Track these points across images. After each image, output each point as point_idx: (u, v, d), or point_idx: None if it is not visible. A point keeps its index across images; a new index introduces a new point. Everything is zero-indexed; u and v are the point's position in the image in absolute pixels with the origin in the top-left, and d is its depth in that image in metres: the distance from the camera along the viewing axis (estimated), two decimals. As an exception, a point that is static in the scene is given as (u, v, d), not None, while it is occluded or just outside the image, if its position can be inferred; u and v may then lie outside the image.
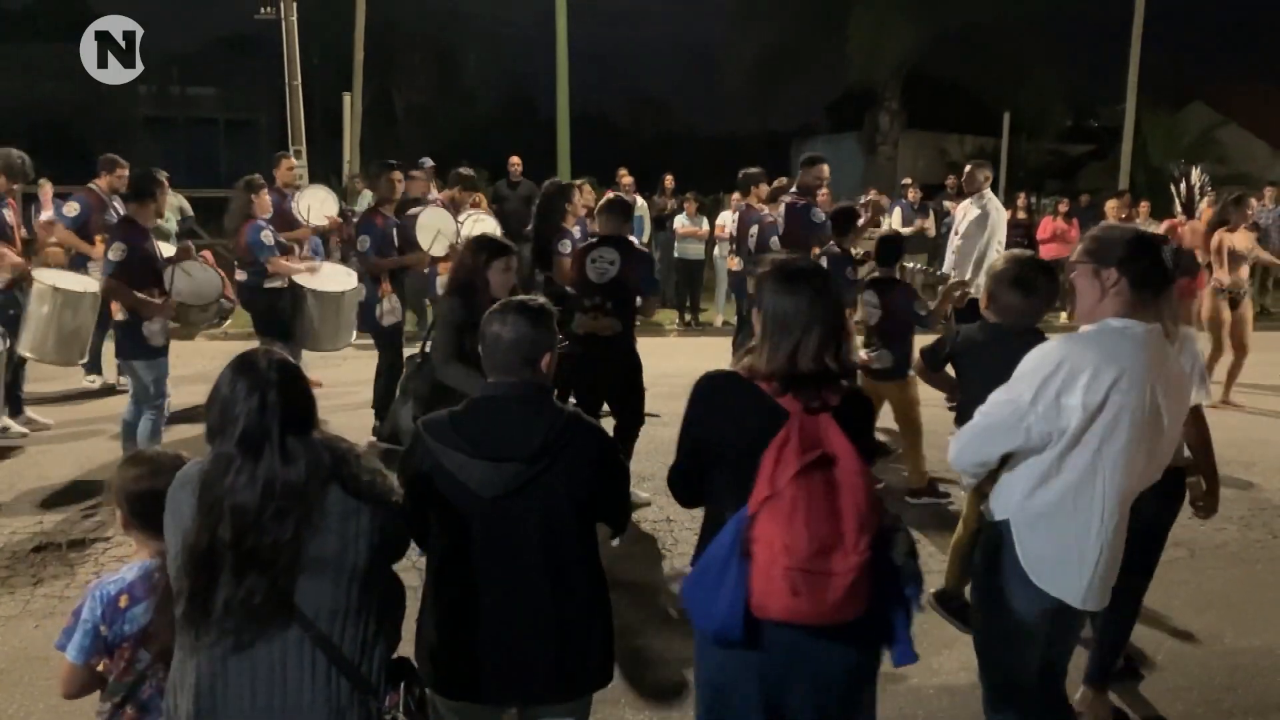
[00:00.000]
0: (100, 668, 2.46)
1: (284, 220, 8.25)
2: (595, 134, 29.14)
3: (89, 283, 7.01)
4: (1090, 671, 3.86)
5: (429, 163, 12.32)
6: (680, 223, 13.20)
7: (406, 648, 2.47)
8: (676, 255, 13.27)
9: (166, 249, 6.56)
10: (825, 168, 7.82)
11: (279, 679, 2.11)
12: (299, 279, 7.62)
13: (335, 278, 7.84)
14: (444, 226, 7.65)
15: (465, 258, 4.55)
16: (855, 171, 24.83)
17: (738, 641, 2.32)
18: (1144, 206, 14.65)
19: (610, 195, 6.81)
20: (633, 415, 5.86)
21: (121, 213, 6.71)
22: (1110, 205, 12.71)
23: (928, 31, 23.25)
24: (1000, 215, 8.52)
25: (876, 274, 6.32)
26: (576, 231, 6.57)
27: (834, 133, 31.27)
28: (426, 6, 26.97)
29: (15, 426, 7.29)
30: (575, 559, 2.49)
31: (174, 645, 2.26)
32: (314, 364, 8.46)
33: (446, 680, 2.50)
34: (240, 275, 7.80)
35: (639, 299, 5.87)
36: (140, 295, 5.83)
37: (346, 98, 16.92)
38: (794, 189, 7.88)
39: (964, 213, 8.61)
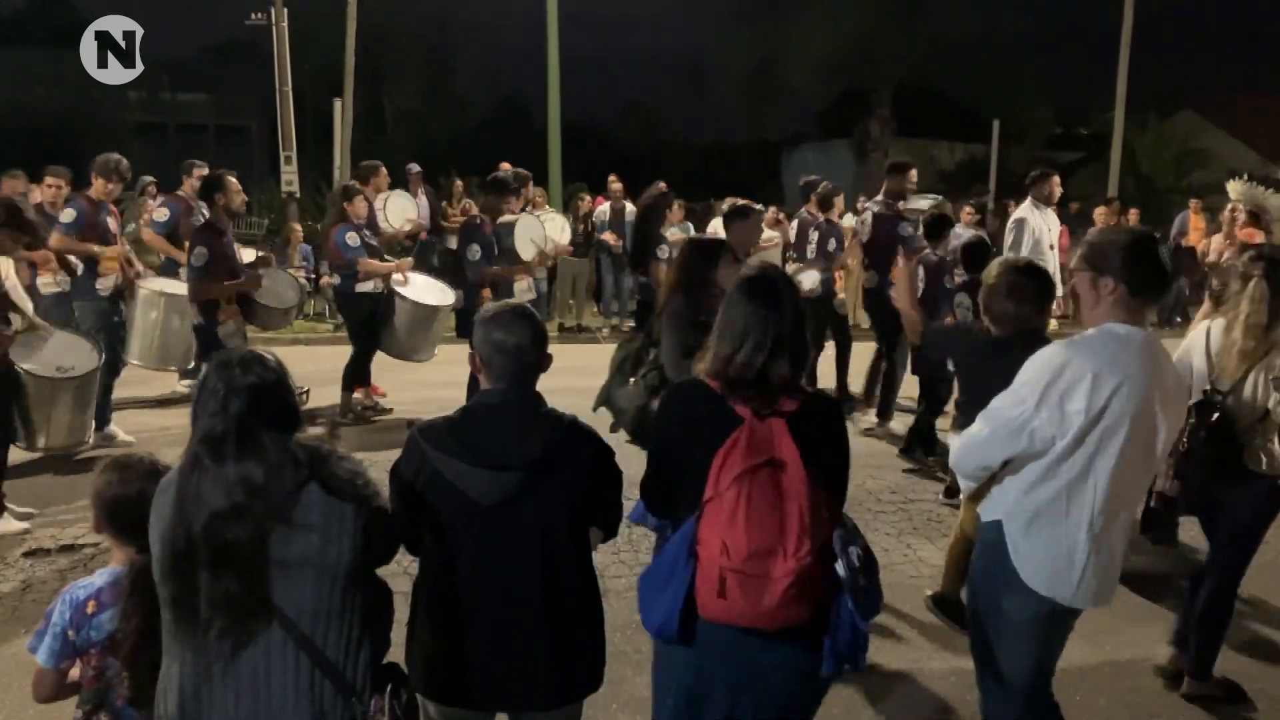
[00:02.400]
0: (73, 673, 2.46)
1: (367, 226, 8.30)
2: (586, 141, 29.12)
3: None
4: (1191, 670, 4.00)
5: (415, 168, 12.36)
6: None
7: (396, 653, 2.47)
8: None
9: (246, 254, 6.63)
10: (914, 173, 7.83)
11: (262, 682, 2.12)
12: (398, 288, 7.71)
13: (430, 291, 7.96)
14: (535, 234, 7.97)
15: (692, 259, 4.36)
16: (846, 178, 24.90)
17: (674, 639, 2.38)
18: (1133, 214, 14.74)
19: (736, 204, 6.69)
20: None
21: (207, 216, 6.81)
22: (1100, 213, 12.78)
23: (863, 43, 23.35)
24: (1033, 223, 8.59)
25: (966, 278, 6.51)
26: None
27: (825, 140, 31.36)
28: (417, 13, 26.98)
29: (122, 435, 7.22)
30: (569, 564, 2.49)
31: (139, 652, 2.27)
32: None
33: (439, 685, 2.50)
34: (334, 279, 7.91)
35: None
36: (229, 283, 5.96)
37: (337, 104, 16.94)
38: (880, 196, 7.83)
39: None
